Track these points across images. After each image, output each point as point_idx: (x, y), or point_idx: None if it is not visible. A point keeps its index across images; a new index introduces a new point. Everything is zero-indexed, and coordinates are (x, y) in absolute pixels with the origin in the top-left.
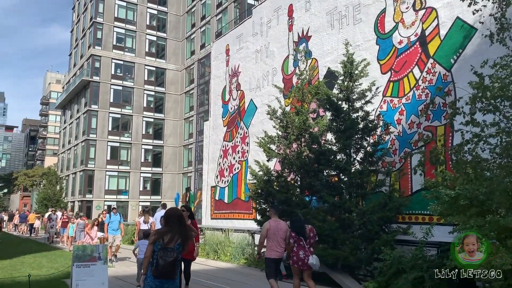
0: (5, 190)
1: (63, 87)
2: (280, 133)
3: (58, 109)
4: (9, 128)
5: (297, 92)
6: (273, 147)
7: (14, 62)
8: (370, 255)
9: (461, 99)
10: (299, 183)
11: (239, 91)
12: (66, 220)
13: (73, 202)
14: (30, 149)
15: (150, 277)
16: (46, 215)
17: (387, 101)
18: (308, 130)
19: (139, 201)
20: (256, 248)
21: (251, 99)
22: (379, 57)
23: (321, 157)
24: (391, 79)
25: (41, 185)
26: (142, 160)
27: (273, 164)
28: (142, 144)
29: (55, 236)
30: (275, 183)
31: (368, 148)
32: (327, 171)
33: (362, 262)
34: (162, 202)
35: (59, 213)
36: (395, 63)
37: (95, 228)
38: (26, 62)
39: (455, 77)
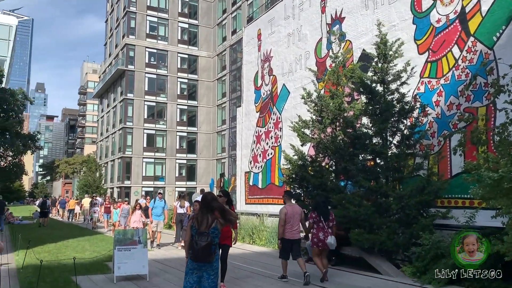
0: (48, 178)
1: (99, 77)
2: (314, 117)
3: (96, 99)
4: (50, 118)
5: (331, 75)
6: (307, 131)
7: (53, 53)
8: (408, 240)
9: (505, 76)
10: (334, 167)
11: (271, 76)
12: (109, 205)
13: (112, 188)
14: (70, 137)
15: (189, 261)
16: (83, 201)
17: (425, 82)
18: (342, 114)
19: (175, 187)
20: None
21: (284, 84)
22: (416, 37)
23: (356, 141)
24: (429, 59)
25: (81, 172)
26: (177, 147)
27: (307, 149)
28: (177, 131)
29: (98, 221)
30: (309, 168)
31: (405, 131)
32: (362, 155)
33: (400, 246)
34: (200, 188)
35: (99, 199)
36: (433, 42)
37: (138, 212)
38: (64, 53)
39: (498, 55)
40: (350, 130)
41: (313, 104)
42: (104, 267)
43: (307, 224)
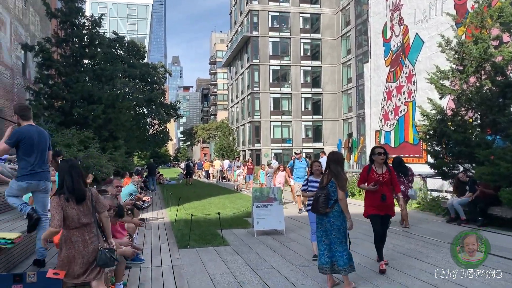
0: (188, 143)
1: (227, 46)
2: (454, 66)
3: (224, 67)
4: (186, 88)
5: (474, 17)
6: (446, 83)
7: (184, 27)
8: None
9: None
10: (479, 121)
11: (402, 26)
12: (251, 167)
13: (244, 151)
14: (204, 105)
15: (309, 213)
16: (214, 162)
17: None
18: (490, 60)
19: (302, 149)
20: (428, 192)
21: (417, 33)
22: None
23: (507, 89)
24: None
25: (216, 137)
26: (302, 109)
27: (446, 102)
28: (302, 93)
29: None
30: (450, 123)
31: None
32: None
33: None
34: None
35: (237, 162)
36: None
37: (282, 173)
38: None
39: None
40: (500, 78)
41: (452, 52)
42: (244, 222)
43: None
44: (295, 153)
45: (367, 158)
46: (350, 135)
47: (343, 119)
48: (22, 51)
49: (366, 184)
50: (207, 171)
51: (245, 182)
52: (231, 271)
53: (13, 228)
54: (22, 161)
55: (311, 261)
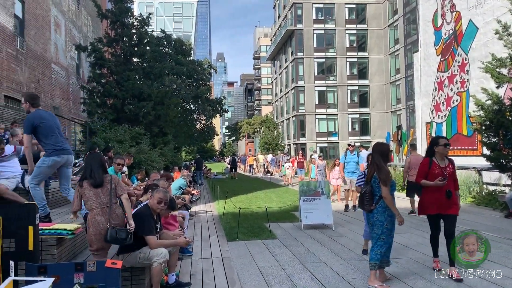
0: (233, 138)
1: (270, 40)
2: None
3: (268, 61)
4: (230, 84)
5: None
6: (503, 71)
7: (227, 23)
8: None
9: None
10: None
11: (454, 13)
12: (302, 160)
13: (289, 145)
14: (249, 100)
15: None
16: (257, 157)
17: None
18: None
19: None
20: (484, 185)
21: (470, 20)
22: None
23: None
24: None
25: (261, 132)
26: (349, 102)
27: (504, 91)
28: (347, 86)
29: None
30: (508, 113)
31: None
32: None
33: None
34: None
35: (283, 156)
36: None
37: (337, 168)
38: (237, 21)
39: None
40: None
41: (511, 38)
42: (291, 216)
43: None
44: (348, 144)
45: (419, 152)
46: (399, 127)
47: (391, 111)
48: (76, 52)
49: (426, 179)
50: (251, 165)
51: (294, 176)
52: (280, 264)
53: (73, 221)
54: (45, 143)
55: (361, 255)
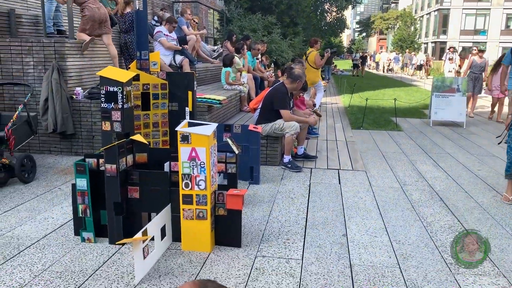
0: (364, 34)
1: None
2: None
3: None
4: None
5: None
6: None
7: None
8: None
9: None
10: None
11: None
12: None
13: (426, 43)
14: None
15: None
16: (384, 55)
17: None
18: None
19: (499, 42)
20: None
21: None
22: None
23: None
24: None
25: (396, 28)
26: None
27: None
28: None
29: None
30: None
31: None
32: None
33: None
34: None
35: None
36: None
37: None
38: None
39: None
40: None
41: None
42: (420, 113)
43: None
44: None
45: None
46: None
47: None
48: None
49: None
50: (377, 63)
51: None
52: (402, 151)
53: (220, 94)
54: None
55: (492, 153)
